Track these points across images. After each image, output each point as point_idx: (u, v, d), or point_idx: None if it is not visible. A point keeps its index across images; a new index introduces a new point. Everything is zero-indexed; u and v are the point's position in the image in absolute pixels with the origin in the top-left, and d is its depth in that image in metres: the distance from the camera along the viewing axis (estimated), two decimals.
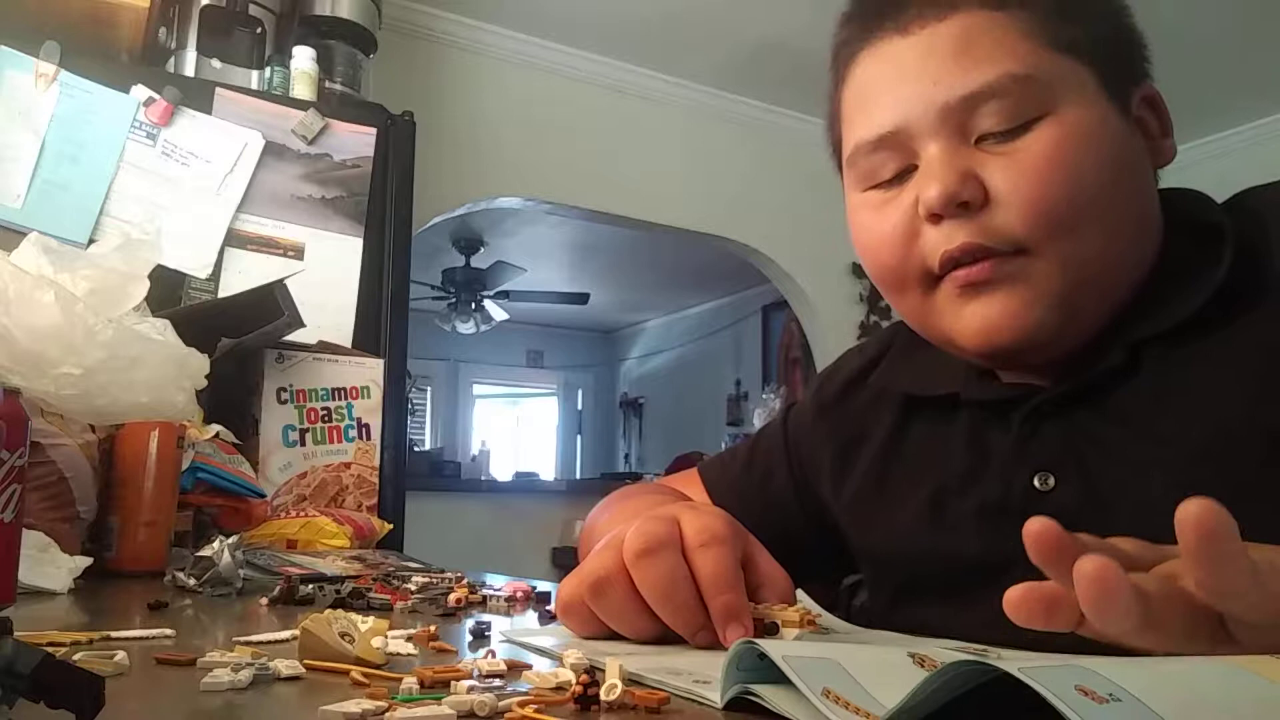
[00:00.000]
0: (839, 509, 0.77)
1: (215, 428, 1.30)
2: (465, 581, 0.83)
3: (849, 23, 0.67)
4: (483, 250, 5.61)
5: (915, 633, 0.65)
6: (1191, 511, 0.33)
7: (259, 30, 2.08)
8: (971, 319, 0.60)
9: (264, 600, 0.77)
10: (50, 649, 0.36)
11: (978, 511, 0.64)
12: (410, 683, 0.41)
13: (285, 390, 1.50)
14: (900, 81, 0.61)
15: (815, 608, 0.59)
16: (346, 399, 1.55)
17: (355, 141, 1.98)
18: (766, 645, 0.36)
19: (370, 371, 1.60)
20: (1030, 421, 0.63)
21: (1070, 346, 0.62)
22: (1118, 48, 0.62)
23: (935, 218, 0.59)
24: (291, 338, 1.52)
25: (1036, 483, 0.61)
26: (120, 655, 0.45)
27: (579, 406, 8.16)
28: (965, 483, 0.66)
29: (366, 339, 1.91)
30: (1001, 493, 0.63)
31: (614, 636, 0.56)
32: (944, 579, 0.66)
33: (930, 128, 0.60)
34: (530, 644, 0.55)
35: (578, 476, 7.51)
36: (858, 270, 3.92)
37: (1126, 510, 0.55)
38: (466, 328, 5.96)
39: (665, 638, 0.54)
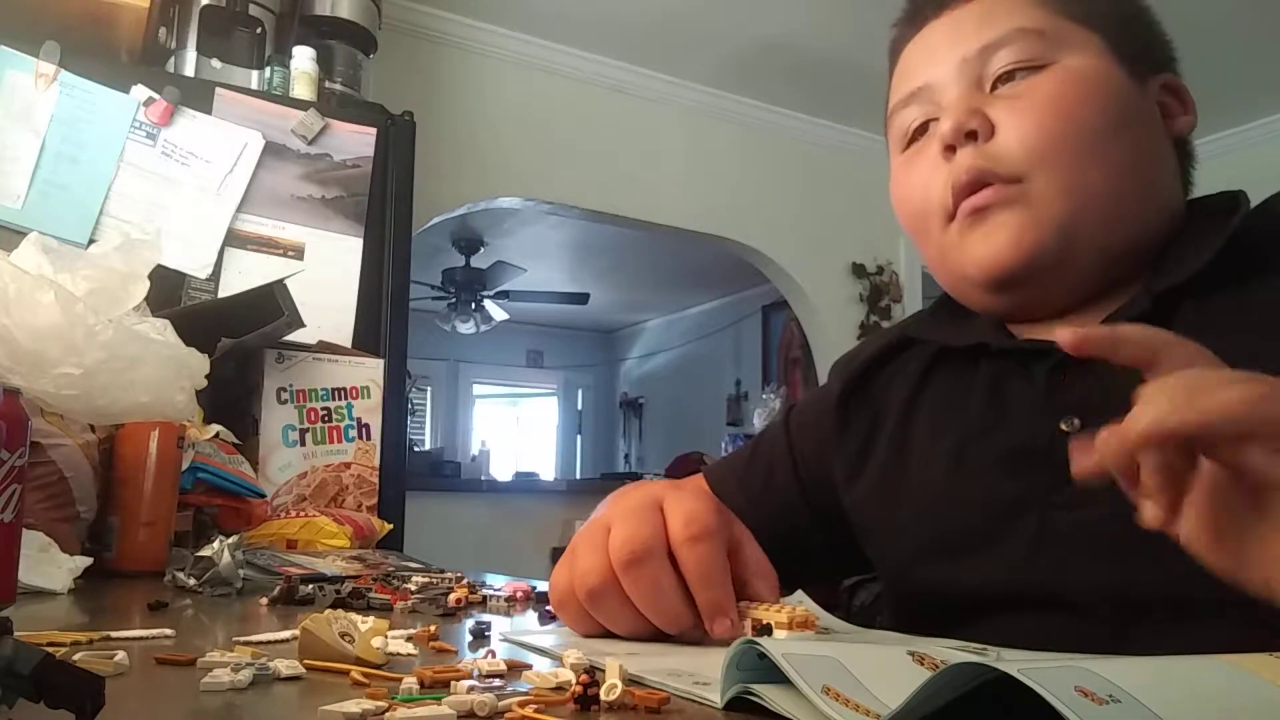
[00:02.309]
0: (861, 484, 0.76)
1: (215, 428, 1.30)
2: (465, 581, 0.83)
3: (899, 24, 0.76)
4: (483, 250, 5.61)
5: (931, 591, 0.65)
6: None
7: (259, 30, 2.08)
8: (976, 246, 0.65)
9: (264, 600, 0.77)
10: (50, 649, 0.36)
11: (1000, 457, 0.65)
12: (410, 683, 0.41)
13: (285, 390, 1.50)
14: (932, 50, 0.70)
15: (815, 609, 0.59)
16: (346, 399, 1.55)
17: (355, 141, 1.98)
18: (766, 644, 0.36)
19: (370, 371, 1.60)
20: (1056, 371, 0.64)
21: (1075, 287, 0.65)
22: (1131, 29, 0.68)
23: (949, 150, 0.65)
24: (291, 338, 1.52)
25: (1063, 425, 0.61)
26: (120, 655, 0.45)
27: (579, 406, 8.16)
28: (986, 430, 0.66)
29: (366, 339, 1.91)
30: (1025, 437, 0.64)
31: (609, 634, 0.56)
32: (963, 528, 0.66)
33: (950, 80, 0.67)
34: (530, 644, 0.55)
35: (578, 476, 7.51)
36: (858, 270, 3.93)
37: None
38: (466, 328, 5.96)
39: (661, 636, 0.55)
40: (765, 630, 0.52)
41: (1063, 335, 0.45)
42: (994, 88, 0.66)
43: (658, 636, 0.55)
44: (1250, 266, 0.60)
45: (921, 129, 0.70)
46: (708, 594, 0.53)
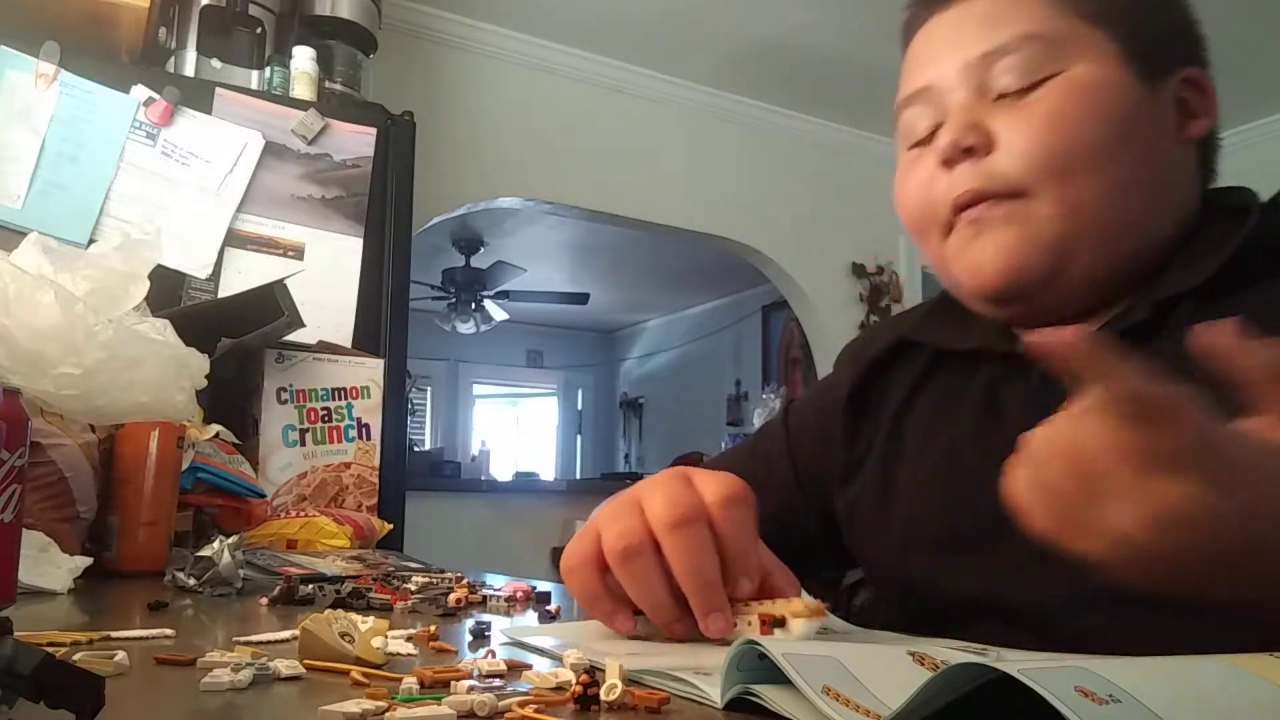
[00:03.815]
0: (856, 484, 0.76)
1: (215, 428, 1.30)
2: (465, 581, 0.83)
3: (910, 4, 0.73)
4: (483, 250, 5.61)
5: (915, 591, 0.66)
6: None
7: (259, 30, 2.08)
8: (970, 258, 0.64)
9: (264, 600, 0.77)
10: (50, 649, 0.36)
11: (991, 462, 0.64)
12: (410, 683, 0.41)
13: (285, 390, 1.50)
14: (936, 47, 0.68)
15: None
16: (346, 399, 1.55)
17: (355, 141, 1.98)
18: (766, 643, 0.36)
19: (370, 371, 1.60)
20: (1050, 377, 0.63)
21: (1073, 300, 0.64)
22: (1149, 25, 0.65)
23: (947, 163, 0.64)
24: (291, 338, 1.52)
25: None
26: (120, 655, 0.45)
27: (579, 406, 8.16)
28: (979, 434, 0.66)
29: (366, 339, 1.91)
30: (1016, 441, 0.63)
31: (607, 632, 0.56)
32: (950, 532, 0.65)
33: (954, 84, 0.65)
34: (530, 644, 0.55)
35: (578, 476, 7.50)
36: (858, 270, 3.93)
37: None
38: (466, 328, 5.96)
39: (668, 623, 0.54)
40: (779, 623, 0.51)
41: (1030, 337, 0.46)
42: (999, 96, 0.63)
43: (665, 619, 0.54)
44: (1253, 274, 0.58)
45: (927, 130, 0.68)
46: (698, 595, 0.52)
